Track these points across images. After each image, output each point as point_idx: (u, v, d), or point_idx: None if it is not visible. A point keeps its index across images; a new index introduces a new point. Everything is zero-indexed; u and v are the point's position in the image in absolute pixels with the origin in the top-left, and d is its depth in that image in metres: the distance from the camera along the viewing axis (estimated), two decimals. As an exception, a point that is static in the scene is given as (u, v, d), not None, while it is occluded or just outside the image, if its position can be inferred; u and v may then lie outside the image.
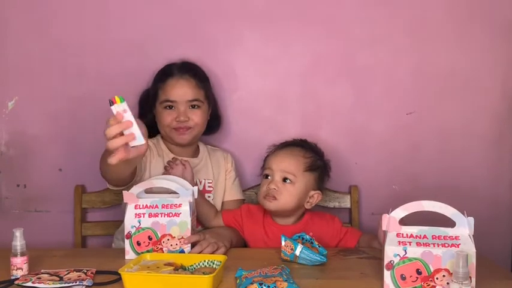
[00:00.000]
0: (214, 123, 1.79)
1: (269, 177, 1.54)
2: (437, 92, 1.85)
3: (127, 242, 1.36)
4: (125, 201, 1.39)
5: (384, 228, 1.15)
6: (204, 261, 1.23)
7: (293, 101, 1.87)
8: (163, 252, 1.35)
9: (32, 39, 1.84)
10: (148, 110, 1.73)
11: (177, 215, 1.37)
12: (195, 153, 1.75)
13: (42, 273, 1.22)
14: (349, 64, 1.85)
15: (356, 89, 1.86)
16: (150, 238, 1.36)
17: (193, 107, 1.65)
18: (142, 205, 1.38)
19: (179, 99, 1.63)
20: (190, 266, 1.22)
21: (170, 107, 1.64)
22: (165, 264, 1.19)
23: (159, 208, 1.37)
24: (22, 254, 1.22)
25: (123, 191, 1.38)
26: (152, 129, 1.72)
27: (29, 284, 1.15)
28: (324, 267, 1.29)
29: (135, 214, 1.37)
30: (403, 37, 1.84)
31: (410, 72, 1.84)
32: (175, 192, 1.41)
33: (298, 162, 1.53)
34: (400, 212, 1.14)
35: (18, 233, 1.23)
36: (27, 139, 1.87)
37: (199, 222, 1.62)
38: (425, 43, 1.83)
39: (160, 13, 1.84)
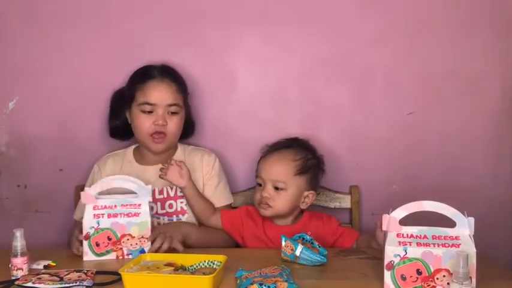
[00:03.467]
0: (188, 129, 1.75)
1: (261, 185, 1.54)
2: (438, 92, 1.84)
3: (85, 243, 1.37)
4: (82, 202, 1.40)
5: (384, 228, 1.15)
6: (204, 261, 1.23)
7: (292, 102, 1.87)
8: (123, 251, 1.37)
9: (33, 39, 1.84)
10: (120, 111, 1.71)
11: (136, 214, 1.39)
12: (168, 159, 1.66)
13: (43, 273, 1.22)
14: (349, 65, 1.85)
15: (356, 89, 1.86)
16: (109, 238, 1.38)
17: (172, 113, 1.62)
18: (101, 206, 1.39)
19: (159, 102, 1.60)
20: (191, 266, 1.23)
21: (148, 112, 1.60)
22: (165, 265, 1.20)
23: (118, 208, 1.39)
24: (22, 255, 1.22)
25: (81, 192, 1.40)
26: (125, 132, 1.72)
27: (29, 284, 1.15)
28: (324, 267, 1.29)
29: (94, 215, 1.38)
30: (403, 38, 1.83)
31: (411, 73, 1.84)
32: (133, 192, 1.43)
33: (288, 167, 1.53)
34: (401, 212, 1.14)
35: (18, 234, 1.23)
36: (27, 139, 1.87)
37: (197, 220, 1.63)
38: (425, 44, 1.83)
39: (160, 15, 1.83)
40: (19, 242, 1.23)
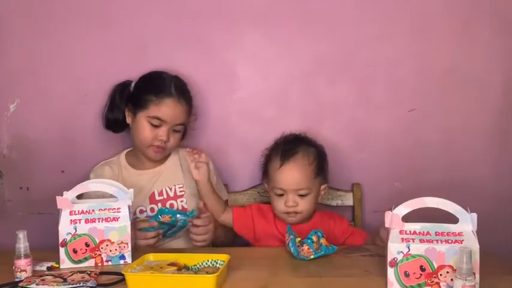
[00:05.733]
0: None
1: (282, 195, 1.53)
2: (439, 88, 1.84)
3: (62, 250, 1.32)
4: (58, 207, 1.34)
5: (386, 225, 1.15)
6: (208, 260, 1.23)
7: (295, 100, 1.87)
8: (102, 258, 1.33)
9: (34, 41, 1.84)
10: (120, 105, 1.71)
11: (115, 219, 1.34)
12: (161, 161, 1.73)
13: (46, 275, 1.22)
14: (351, 62, 1.85)
15: (358, 87, 1.86)
16: (87, 245, 1.33)
17: (175, 131, 1.65)
18: (78, 211, 1.35)
19: (169, 120, 1.62)
20: (194, 265, 1.23)
21: (156, 125, 1.61)
22: (168, 265, 1.20)
23: (96, 213, 1.35)
24: (26, 256, 1.23)
25: (57, 197, 1.35)
26: (122, 125, 1.73)
27: (33, 286, 1.15)
28: (328, 264, 1.29)
29: (71, 220, 1.33)
30: (404, 35, 1.83)
31: (412, 70, 1.84)
32: (112, 196, 1.39)
33: (307, 174, 1.52)
34: (403, 209, 1.14)
35: (21, 235, 1.23)
36: (29, 141, 1.87)
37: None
38: (426, 40, 1.83)
39: (162, 14, 1.83)
40: (22, 243, 1.23)
